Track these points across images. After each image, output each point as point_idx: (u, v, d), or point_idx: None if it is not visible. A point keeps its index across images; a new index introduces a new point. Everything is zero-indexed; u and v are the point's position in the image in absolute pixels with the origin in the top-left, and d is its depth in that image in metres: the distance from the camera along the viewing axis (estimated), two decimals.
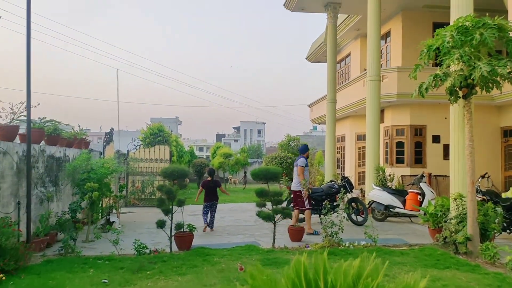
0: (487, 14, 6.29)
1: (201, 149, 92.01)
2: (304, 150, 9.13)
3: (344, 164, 20.92)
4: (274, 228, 7.15)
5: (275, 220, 7.08)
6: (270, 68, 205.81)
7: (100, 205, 9.27)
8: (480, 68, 5.85)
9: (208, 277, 5.47)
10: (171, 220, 6.98)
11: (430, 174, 14.00)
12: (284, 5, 16.17)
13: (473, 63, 6.02)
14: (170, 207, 6.91)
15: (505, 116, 15.56)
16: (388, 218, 10.46)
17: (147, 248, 6.84)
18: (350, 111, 18.09)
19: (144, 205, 14.51)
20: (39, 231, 7.25)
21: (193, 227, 7.30)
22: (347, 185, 9.95)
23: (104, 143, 11.32)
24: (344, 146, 20.93)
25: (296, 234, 7.84)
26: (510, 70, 5.96)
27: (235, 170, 28.44)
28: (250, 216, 11.68)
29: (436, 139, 15.69)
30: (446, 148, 15.76)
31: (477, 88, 6.65)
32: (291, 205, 10.13)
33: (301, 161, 8.79)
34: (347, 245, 7.19)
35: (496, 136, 15.88)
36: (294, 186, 8.80)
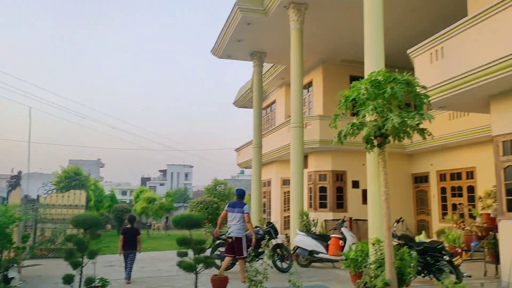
0: (396, 70, 6.83)
1: (124, 193, 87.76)
2: (244, 195, 9.06)
3: (270, 209, 21.02)
4: (196, 279, 6.75)
5: (197, 270, 6.69)
6: (200, 112, 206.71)
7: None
8: (392, 119, 6.25)
9: None
10: (81, 274, 6.30)
11: (350, 219, 14.48)
12: (211, 51, 16.48)
13: (385, 115, 6.42)
14: (80, 259, 6.26)
15: (415, 163, 16.86)
16: (312, 264, 10.48)
17: None
18: (275, 156, 18.45)
19: (55, 256, 13.16)
20: None
21: (106, 281, 6.65)
22: (272, 231, 9.88)
23: (9, 188, 10.22)
24: (270, 191, 21.13)
25: (219, 284, 7.48)
26: (418, 122, 6.43)
27: (159, 215, 27.25)
28: (171, 265, 10.99)
29: (355, 184, 16.45)
30: (365, 193, 16.51)
31: (390, 138, 7.08)
32: (215, 253, 9.78)
33: (247, 207, 8.68)
34: None
35: (408, 182, 17.07)
36: (236, 232, 8.57)
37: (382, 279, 6.72)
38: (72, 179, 15.82)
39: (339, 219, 14.74)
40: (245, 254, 8.49)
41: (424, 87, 6.88)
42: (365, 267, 7.49)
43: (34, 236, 13.00)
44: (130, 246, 8.94)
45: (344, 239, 10.17)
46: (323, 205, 16.26)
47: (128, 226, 9.22)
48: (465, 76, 7.74)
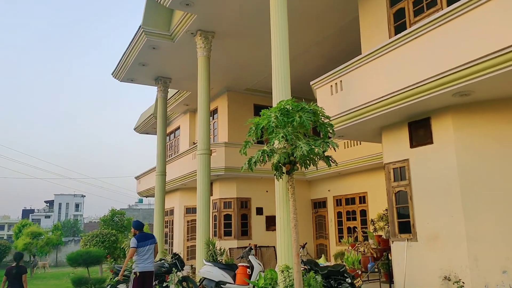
0: (303, 99, 7.14)
1: (1, 228, 77.74)
2: (143, 226, 8.41)
3: (172, 239, 20.19)
4: None
5: None
6: (95, 138, 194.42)
7: None
8: (301, 147, 6.45)
9: None
10: None
11: (256, 246, 14.55)
12: (112, 74, 15.67)
13: (295, 143, 6.61)
14: None
15: (314, 189, 17.73)
16: None
17: None
18: (179, 184, 17.96)
19: None
20: None
21: None
22: (178, 263, 9.38)
23: None
24: (172, 220, 20.36)
25: None
26: (324, 149, 6.73)
27: (45, 252, 24.41)
28: None
29: (259, 211, 16.66)
30: (269, 219, 16.89)
31: (298, 165, 7.29)
32: None
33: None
34: None
35: (308, 208, 17.83)
36: (151, 266, 7.98)
37: None
38: None
39: (244, 247, 14.73)
40: None
41: (328, 117, 7.28)
42: None
43: None
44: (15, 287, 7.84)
45: (251, 267, 10.07)
46: (227, 233, 16.11)
47: (13, 265, 8.07)
48: (361, 108, 8.39)
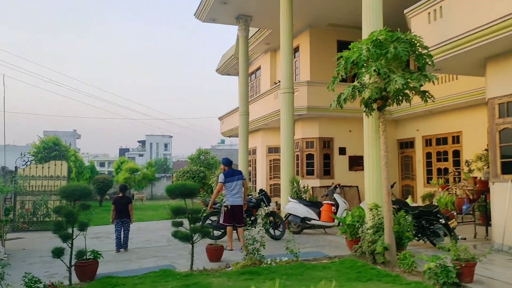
0: (398, 29, 6.53)
1: (102, 165, 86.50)
2: (232, 163, 8.80)
3: (255, 177, 20.91)
4: (192, 250, 6.54)
5: (194, 240, 6.47)
6: (179, 80, 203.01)
7: None
8: (396, 81, 6.01)
9: None
10: (71, 247, 5.98)
11: (339, 185, 14.51)
12: (195, 14, 15.74)
13: (388, 76, 6.17)
14: (70, 231, 5.93)
15: (400, 129, 16.88)
16: (304, 230, 10.44)
17: (41, 282, 5.75)
18: (261, 124, 18.17)
19: (36, 229, 12.74)
20: None
21: (98, 254, 6.36)
22: (264, 199, 9.71)
23: None
24: (255, 159, 20.95)
25: (215, 253, 7.30)
26: (421, 83, 6.22)
27: (142, 186, 26.86)
28: (161, 236, 10.84)
29: (342, 151, 16.39)
30: (352, 159, 16.64)
31: (389, 101, 6.86)
32: (207, 222, 9.58)
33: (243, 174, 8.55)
34: (269, 262, 6.86)
35: (393, 148, 17.11)
36: (239, 200, 8.41)
37: (381, 244, 6.67)
38: (51, 150, 15.18)
39: (327, 186, 14.79)
40: (244, 222, 8.38)
41: (426, 48, 6.63)
42: (362, 232, 7.43)
43: (14, 209, 12.51)
44: (123, 215, 8.83)
45: (336, 205, 10.12)
46: (310, 172, 16.21)
47: (120, 195, 9.00)
48: (464, 37, 7.51)
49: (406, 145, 16.74)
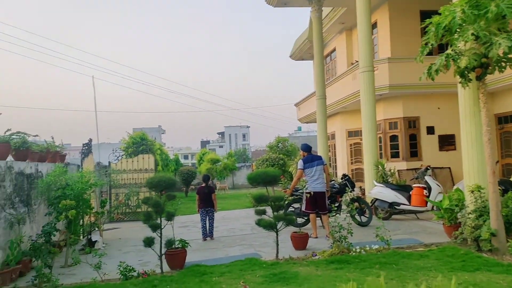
0: None
1: (186, 157, 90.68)
2: (311, 148, 8.51)
3: (335, 163, 20.32)
4: (277, 238, 6.38)
5: (278, 228, 6.31)
6: (253, 69, 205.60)
7: (80, 224, 8.36)
8: (499, 44, 5.22)
9: None
10: (160, 236, 6.15)
11: (429, 167, 13.45)
12: (266, 0, 15.50)
13: (489, 40, 5.39)
14: (159, 221, 6.09)
15: (499, 102, 15.15)
16: (393, 216, 9.81)
17: (135, 271, 6.00)
18: (339, 108, 17.52)
19: (130, 219, 13.60)
20: (9, 260, 6.34)
21: (186, 243, 6.48)
22: (348, 184, 9.26)
23: (82, 155, 10.40)
24: (334, 144, 20.33)
25: (300, 241, 7.08)
26: None
27: (223, 176, 27.59)
28: (245, 224, 10.90)
29: (430, 130, 15.19)
30: (442, 139, 15.36)
31: (490, 68, 6.03)
32: (289, 209, 9.40)
33: (324, 159, 8.30)
34: (358, 250, 6.47)
35: (491, 124, 15.45)
36: (321, 187, 8.08)
37: (488, 229, 5.94)
38: (139, 145, 16.09)
39: (415, 168, 13.80)
40: (328, 209, 8.08)
41: None
42: (462, 217, 6.71)
43: (110, 201, 13.44)
44: (207, 204, 8.99)
45: (428, 188, 9.32)
46: (394, 155, 15.27)
47: (203, 185, 9.17)
48: None
49: (506, 119, 14.99)
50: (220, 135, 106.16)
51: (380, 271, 5.23)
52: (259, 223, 6.36)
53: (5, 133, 7.15)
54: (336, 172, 19.62)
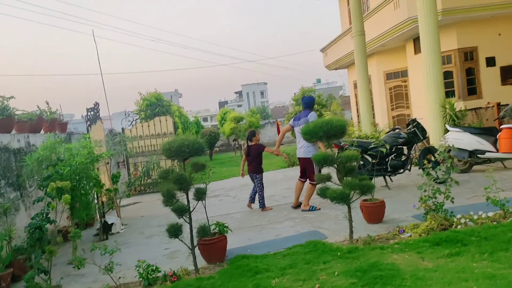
0: None
1: (205, 119, 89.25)
2: (313, 103, 7.00)
3: (373, 110, 18.18)
4: (350, 213, 4.59)
5: (351, 199, 4.49)
6: (267, 16, 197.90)
7: (91, 206, 6.75)
8: None
9: None
10: (190, 222, 4.44)
11: (498, 104, 11.31)
12: None
13: None
14: (186, 204, 4.37)
15: None
16: (474, 167, 7.88)
17: (159, 271, 4.37)
18: (375, 47, 15.23)
19: (153, 190, 12.11)
20: None
21: (225, 227, 4.77)
22: (417, 132, 7.29)
23: (88, 122, 8.69)
24: (370, 90, 18.11)
25: (375, 212, 5.30)
26: None
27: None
28: (287, 189, 9.19)
29: (490, 61, 12.86)
30: (505, 70, 13.03)
31: None
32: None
33: (313, 116, 6.65)
34: (462, 221, 4.64)
35: None
36: (303, 152, 6.67)
37: None
38: (154, 106, 14.37)
39: (475, 108, 11.67)
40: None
41: None
42: None
43: (128, 172, 11.91)
44: (255, 167, 7.44)
45: None
46: (448, 94, 13.06)
47: (253, 143, 7.49)
48: None
49: None
50: (238, 94, 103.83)
51: None
52: (323, 193, 4.55)
53: None
54: (374, 121, 17.56)
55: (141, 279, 4.32)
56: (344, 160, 4.37)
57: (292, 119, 7.08)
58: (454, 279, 3.23)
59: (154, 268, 4.36)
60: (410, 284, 3.25)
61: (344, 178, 4.56)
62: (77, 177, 5.62)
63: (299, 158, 6.90)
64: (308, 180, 6.77)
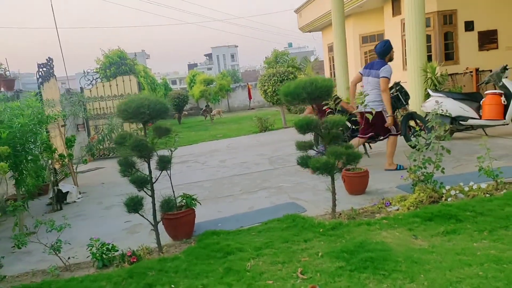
0: None
1: (174, 82, 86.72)
2: (388, 50, 5.91)
3: (348, 75, 17.75)
4: (333, 185, 4.11)
5: (335, 169, 4.00)
6: None
7: (41, 173, 6.01)
8: None
9: None
10: (152, 195, 3.85)
11: (477, 70, 11.06)
12: None
13: None
14: (147, 175, 3.76)
15: None
16: (455, 134, 7.59)
17: (116, 250, 3.80)
18: (352, 8, 14.60)
19: (117, 155, 11.32)
20: None
21: (192, 200, 4.20)
22: (400, 96, 6.85)
23: (40, 79, 7.74)
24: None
25: (358, 183, 4.86)
26: None
27: (217, 99, 24.96)
28: (259, 155, 8.68)
29: (469, 25, 12.51)
30: (482, 36, 12.74)
31: None
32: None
33: (386, 70, 5.73)
34: (452, 193, 4.28)
35: None
36: (376, 106, 5.76)
37: None
38: (118, 64, 13.31)
39: (451, 74, 11.39)
40: (395, 131, 5.97)
41: None
42: None
43: (88, 136, 11.05)
44: None
45: (507, 95, 6.97)
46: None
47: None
48: None
49: None
50: (208, 57, 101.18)
51: None
52: (304, 162, 4.04)
53: None
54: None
55: (94, 259, 3.74)
56: (329, 125, 3.85)
57: (364, 66, 6.18)
58: (455, 263, 2.83)
59: (110, 247, 3.78)
60: (406, 269, 2.82)
61: (328, 145, 4.06)
62: (21, 140, 4.85)
63: (363, 113, 5.80)
64: (379, 137, 6.06)
